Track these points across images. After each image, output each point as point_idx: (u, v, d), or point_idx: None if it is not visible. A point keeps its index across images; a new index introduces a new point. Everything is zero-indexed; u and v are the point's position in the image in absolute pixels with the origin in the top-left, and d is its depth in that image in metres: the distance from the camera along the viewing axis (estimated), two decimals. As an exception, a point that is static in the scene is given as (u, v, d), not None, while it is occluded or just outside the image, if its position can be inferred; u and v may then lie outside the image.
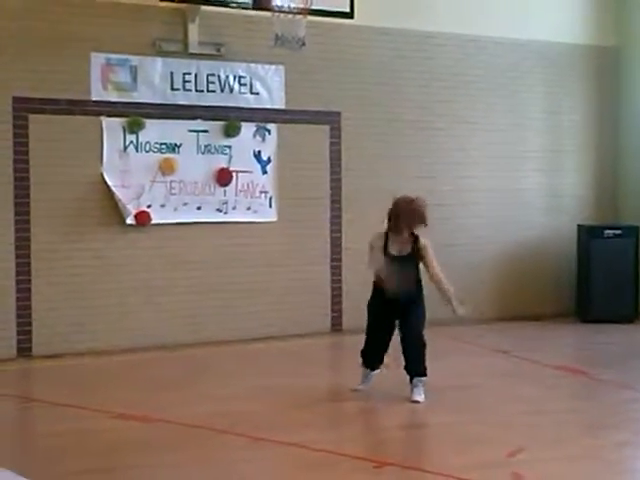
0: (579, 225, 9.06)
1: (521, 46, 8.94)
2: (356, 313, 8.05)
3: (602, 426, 5.17)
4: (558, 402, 5.76)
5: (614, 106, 9.42)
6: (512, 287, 9.00)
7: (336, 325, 8.20)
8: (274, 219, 7.90)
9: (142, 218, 7.32)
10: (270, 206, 7.87)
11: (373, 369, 5.85)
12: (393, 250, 5.64)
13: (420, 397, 5.60)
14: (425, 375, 5.68)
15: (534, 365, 6.82)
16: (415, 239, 5.66)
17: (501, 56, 8.88)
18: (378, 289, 5.73)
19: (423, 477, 4.26)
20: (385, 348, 5.78)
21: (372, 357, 5.81)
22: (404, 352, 5.68)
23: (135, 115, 7.30)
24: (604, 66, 9.39)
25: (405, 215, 5.60)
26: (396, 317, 5.70)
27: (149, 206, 7.36)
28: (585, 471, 4.33)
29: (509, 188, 8.96)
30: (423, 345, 5.67)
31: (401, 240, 5.64)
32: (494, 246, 8.89)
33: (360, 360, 5.85)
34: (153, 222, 7.38)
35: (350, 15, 7.59)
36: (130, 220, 7.29)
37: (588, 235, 8.88)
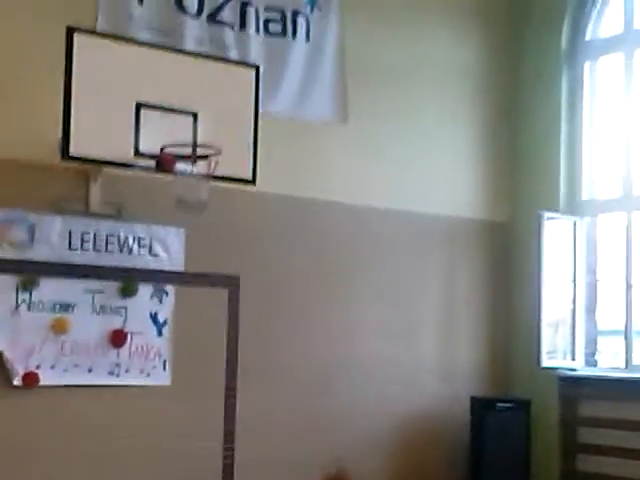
0: (472, 397, 9.12)
1: (417, 218, 9.17)
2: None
3: None
4: None
5: (506, 280, 9.70)
6: (404, 457, 8.91)
7: (227, 496, 7.93)
8: (167, 383, 7.71)
9: (30, 379, 7.05)
10: (164, 369, 7.69)
11: None
12: None
13: None
14: None
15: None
16: None
17: (397, 227, 9.07)
18: None
19: None
20: None
21: None
22: None
23: (30, 273, 7.14)
24: (497, 241, 9.70)
25: None
26: None
27: (38, 367, 7.10)
28: None
29: (403, 358, 8.99)
30: None
31: None
32: (387, 415, 8.83)
33: None
34: (41, 384, 7.10)
35: (252, 182, 7.66)
36: (17, 382, 7.01)
37: (481, 407, 8.94)
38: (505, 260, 9.72)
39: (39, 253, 7.19)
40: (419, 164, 9.26)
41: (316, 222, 8.63)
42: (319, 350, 8.50)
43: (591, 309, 9.45)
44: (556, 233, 9.32)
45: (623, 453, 8.63)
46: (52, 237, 7.27)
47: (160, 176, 7.23)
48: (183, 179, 7.11)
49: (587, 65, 9.63)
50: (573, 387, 9.13)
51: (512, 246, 9.75)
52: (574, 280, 9.36)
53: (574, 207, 9.50)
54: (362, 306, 8.81)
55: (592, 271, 9.48)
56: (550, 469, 9.09)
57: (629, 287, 9.00)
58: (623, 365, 9.00)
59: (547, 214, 9.24)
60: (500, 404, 8.97)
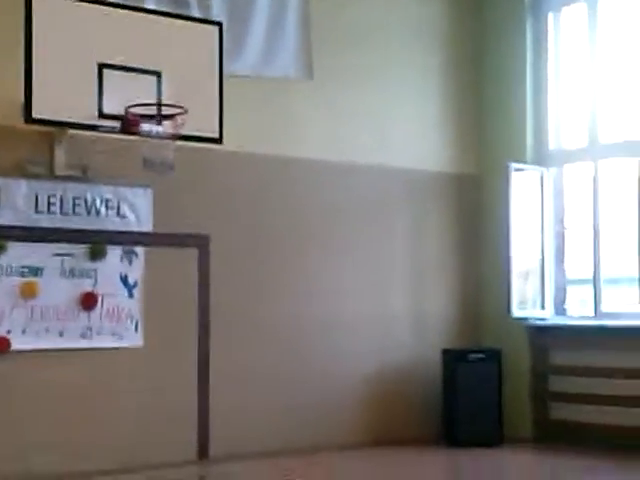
0: (444, 349, 9.19)
1: (386, 172, 9.17)
2: (223, 439, 7.95)
3: None
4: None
5: (475, 232, 9.75)
6: (379, 411, 8.98)
7: (203, 452, 7.97)
8: (140, 344, 7.71)
9: (1, 345, 7.03)
10: (136, 331, 7.70)
11: None
12: None
13: None
14: None
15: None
16: None
17: (367, 182, 9.07)
18: None
19: None
20: None
21: None
22: None
23: (-4, 238, 7.10)
24: (465, 193, 9.73)
25: None
26: None
27: (9, 332, 7.09)
28: None
29: (375, 312, 9.05)
30: None
31: None
32: (360, 370, 8.89)
33: None
34: (13, 349, 7.09)
35: (219, 141, 7.61)
36: (-12, 347, 7.01)
37: (453, 359, 9.02)
38: (474, 212, 9.76)
39: (5, 218, 7.14)
40: (386, 118, 9.25)
41: (285, 180, 8.62)
42: (292, 308, 8.54)
43: (560, 258, 9.52)
44: (524, 184, 9.35)
45: (594, 400, 8.73)
46: (18, 201, 7.22)
47: (125, 137, 7.16)
48: (149, 139, 7.05)
49: (551, 15, 9.62)
50: (543, 336, 9.22)
51: (480, 198, 9.78)
52: (542, 230, 9.42)
53: (541, 157, 9.53)
54: (333, 262, 8.83)
55: (560, 221, 9.54)
56: (523, 418, 9.19)
57: (597, 235, 9.07)
58: (592, 313, 9.08)
59: (514, 165, 9.27)
60: (471, 355, 9.04)
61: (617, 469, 7.74)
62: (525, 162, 9.43)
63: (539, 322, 9.29)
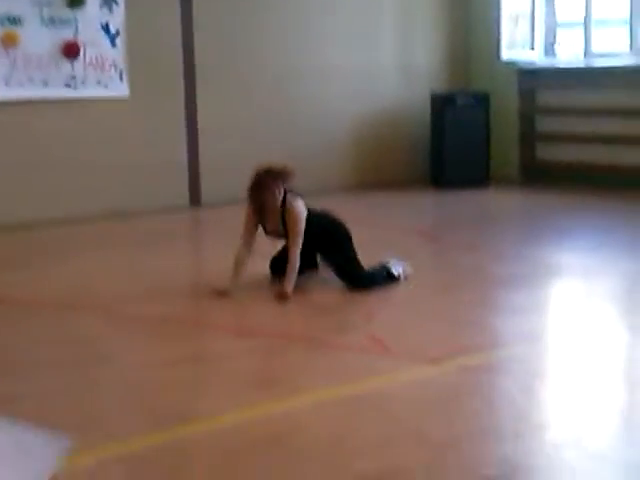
0: (432, 94, 9.18)
1: None
2: (215, 188, 8.09)
3: (451, 287, 5.32)
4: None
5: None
6: (369, 155, 9.10)
7: (195, 200, 8.14)
8: (126, 94, 7.69)
9: (-15, 97, 7.02)
10: (121, 80, 7.64)
11: None
12: (268, 226, 5.01)
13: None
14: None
15: (386, 231, 6.93)
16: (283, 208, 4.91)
17: None
18: None
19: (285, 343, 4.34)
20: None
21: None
22: None
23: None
24: None
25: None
26: None
27: (-7, 84, 7.07)
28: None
29: (364, 58, 8.97)
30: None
31: (272, 217, 4.96)
32: (350, 116, 8.93)
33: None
34: (-2, 100, 7.10)
35: None
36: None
37: (441, 103, 9.03)
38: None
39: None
40: None
41: None
42: (280, 54, 8.45)
43: (551, 0, 9.29)
44: None
45: (579, 139, 8.83)
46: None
47: None
48: None
49: None
50: (532, 78, 9.18)
51: None
52: (534, -30, 9.15)
53: None
54: (322, 9, 8.65)
55: (551, -40, 9.26)
56: (509, 159, 9.31)
57: (590, -25, 8.83)
58: (581, 55, 8.98)
59: None
60: (459, 98, 9.03)
61: (600, 206, 7.90)
62: None
63: (528, 65, 9.20)
